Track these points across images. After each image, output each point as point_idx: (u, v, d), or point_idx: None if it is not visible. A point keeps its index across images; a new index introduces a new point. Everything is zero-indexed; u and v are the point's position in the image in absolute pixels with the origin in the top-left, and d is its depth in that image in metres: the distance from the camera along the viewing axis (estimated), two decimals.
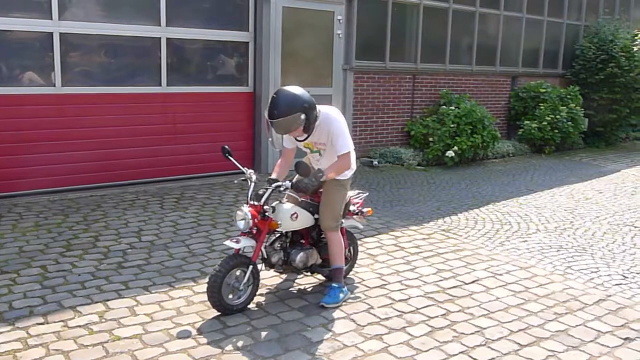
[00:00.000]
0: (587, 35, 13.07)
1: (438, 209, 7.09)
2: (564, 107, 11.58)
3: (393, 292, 4.50)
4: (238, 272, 3.96)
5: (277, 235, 4.23)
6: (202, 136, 7.97)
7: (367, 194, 4.96)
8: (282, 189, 4.01)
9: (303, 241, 4.38)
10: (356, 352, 3.58)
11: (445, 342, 3.74)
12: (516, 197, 7.89)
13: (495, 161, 10.69)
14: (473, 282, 4.79)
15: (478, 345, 3.72)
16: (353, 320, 3.99)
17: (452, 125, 9.76)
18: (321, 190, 4.26)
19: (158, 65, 7.57)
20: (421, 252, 5.46)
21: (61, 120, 6.94)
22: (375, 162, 9.44)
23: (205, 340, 3.62)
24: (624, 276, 5.06)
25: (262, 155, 8.44)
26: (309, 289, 4.49)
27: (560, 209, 7.32)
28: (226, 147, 4.29)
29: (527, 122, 11.49)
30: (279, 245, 4.23)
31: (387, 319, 4.04)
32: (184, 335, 3.68)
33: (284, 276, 4.61)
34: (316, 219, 4.28)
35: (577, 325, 4.05)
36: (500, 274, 4.98)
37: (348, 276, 4.69)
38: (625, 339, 3.90)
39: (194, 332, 3.73)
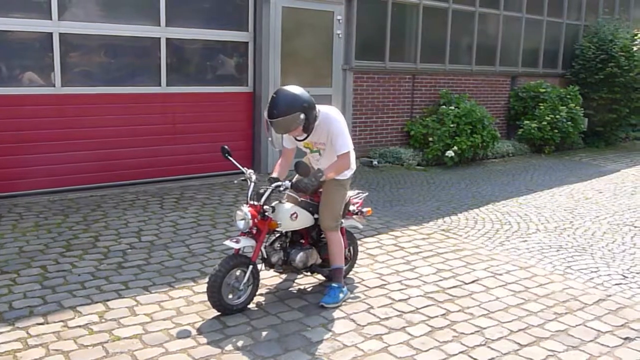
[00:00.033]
0: (587, 35, 13.07)
1: (438, 209, 7.09)
2: (564, 107, 11.59)
3: (393, 292, 4.50)
4: (238, 272, 3.96)
5: (277, 235, 4.23)
6: (201, 136, 7.97)
7: (367, 193, 4.97)
8: (281, 188, 4.01)
9: (303, 241, 4.38)
10: (356, 352, 3.58)
11: (445, 342, 3.74)
12: (516, 197, 7.89)
13: (495, 161, 10.69)
14: (473, 282, 4.79)
15: (478, 345, 3.72)
16: (353, 320, 3.99)
17: (451, 125, 9.76)
18: (321, 190, 4.26)
19: (158, 65, 7.57)
20: (421, 252, 5.46)
21: (61, 120, 6.94)
22: (375, 162, 9.45)
23: (205, 340, 3.62)
24: (623, 276, 5.06)
25: (261, 155, 8.44)
26: (308, 289, 4.49)
27: (560, 209, 7.32)
28: (226, 147, 4.29)
29: (527, 122, 11.49)
30: (278, 245, 4.23)
31: (387, 318, 4.04)
32: (183, 335, 3.68)
33: (283, 276, 4.61)
34: (316, 219, 4.28)
35: (577, 325, 4.06)
36: (500, 274, 4.98)
37: (348, 276, 4.69)
38: (625, 338, 3.90)
39: (193, 332, 3.73)
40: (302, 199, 4.29)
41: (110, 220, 5.97)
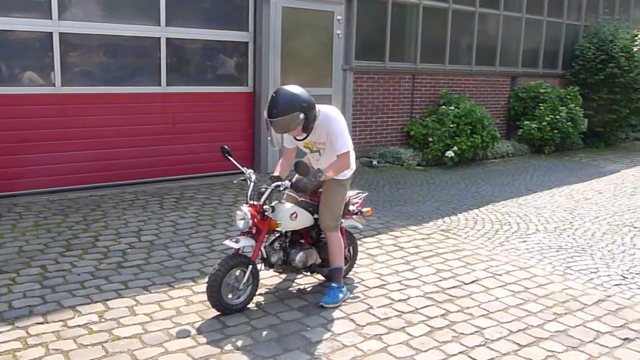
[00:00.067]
0: (587, 36, 13.08)
1: (437, 209, 7.09)
2: (564, 108, 11.59)
3: (392, 292, 4.50)
4: (237, 272, 3.96)
5: (277, 235, 4.23)
6: (201, 136, 7.97)
7: (367, 193, 4.97)
8: (281, 188, 4.01)
9: (302, 241, 4.38)
10: (355, 352, 3.58)
11: (444, 342, 3.74)
12: (516, 198, 7.89)
13: (494, 161, 10.69)
14: (472, 282, 4.79)
15: (477, 346, 3.72)
16: (352, 320, 3.99)
17: (451, 126, 9.76)
18: (321, 190, 4.26)
19: (158, 65, 7.57)
20: (420, 252, 5.46)
21: (61, 120, 6.94)
22: (375, 162, 9.45)
23: (204, 340, 3.62)
24: (623, 276, 5.06)
25: (261, 155, 8.44)
26: (308, 289, 4.49)
27: (560, 210, 7.32)
28: (226, 147, 4.29)
29: (527, 122, 11.49)
30: (278, 245, 4.23)
31: (386, 319, 4.04)
32: (183, 335, 3.68)
33: (283, 276, 4.61)
34: (316, 219, 4.28)
35: (576, 326, 4.06)
36: (500, 274, 4.98)
37: (347, 276, 4.69)
38: (625, 339, 3.90)
39: (193, 331, 3.73)
40: (301, 198, 4.29)
41: (109, 220, 5.97)
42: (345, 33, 9.20)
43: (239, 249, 4.00)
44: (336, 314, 4.07)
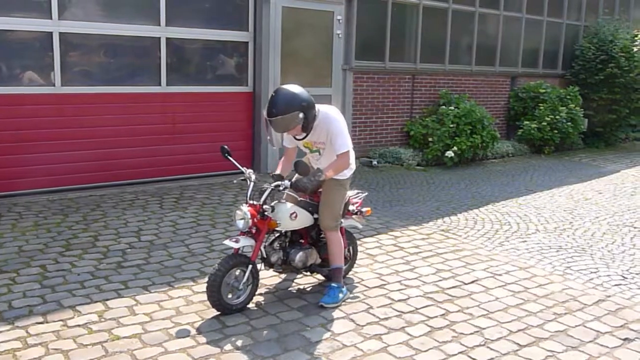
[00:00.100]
0: (587, 36, 13.08)
1: (437, 209, 7.09)
2: (564, 108, 11.59)
3: (392, 292, 4.50)
4: (237, 272, 3.96)
5: (277, 234, 4.23)
6: (201, 136, 7.97)
7: (367, 193, 4.97)
8: (281, 188, 4.02)
9: (302, 241, 4.38)
10: (355, 352, 3.58)
11: (444, 342, 3.74)
12: (515, 198, 7.89)
13: (494, 161, 10.69)
14: (472, 282, 4.79)
15: (477, 346, 3.72)
16: (352, 320, 3.99)
17: (451, 126, 9.76)
18: (320, 189, 4.26)
19: (158, 65, 7.57)
20: (420, 252, 5.46)
21: (61, 120, 6.94)
22: (375, 162, 9.45)
23: (204, 340, 3.62)
24: (623, 277, 5.06)
25: (261, 155, 8.44)
26: (308, 289, 4.49)
27: (560, 210, 7.32)
28: (225, 147, 4.29)
29: (527, 122, 11.49)
30: (278, 244, 4.23)
31: (386, 318, 4.04)
32: (183, 334, 3.68)
33: (283, 276, 4.61)
34: (315, 219, 4.28)
35: (576, 326, 4.06)
36: (500, 274, 4.98)
37: (347, 276, 4.69)
38: (625, 339, 3.90)
39: (193, 331, 3.73)
40: (301, 198, 4.29)
41: (109, 220, 5.97)
42: (345, 33, 9.20)
43: (238, 248, 4.00)
44: (336, 313, 4.07)
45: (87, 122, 7.11)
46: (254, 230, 3.99)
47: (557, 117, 11.37)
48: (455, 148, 9.66)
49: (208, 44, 8.09)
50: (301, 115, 3.92)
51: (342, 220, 4.37)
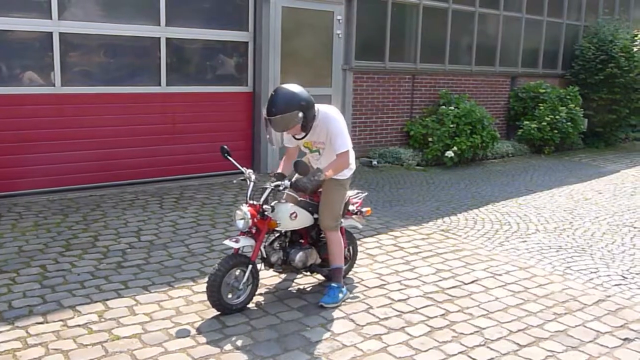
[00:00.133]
0: (587, 36, 13.08)
1: (437, 209, 7.09)
2: (564, 108, 11.59)
3: (392, 292, 4.50)
4: (237, 272, 3.96)
5: (277, 234, 4.23)
6: (201, 136, 7.97)
7: (366, 193, 4.97)
8: (281, 188, 4.02)
9: (302, 241, 4.38)
10: (355, 352, 3.58)
11: (444, 342, 3.74)
12: (515, 198, 7.89)
13: (494, 161, 10.69)
14: (472, 282, 4.79)
15: (477, 346, 3.72)
16: (352, 320, 3.99)
17: (451, 126, 9.76)
18: (320, 189, 4.26)
19: (157, 65, 7.57)
20: (420, 252, 5.46)
21: (61, 120, 6.94)
22: (375, 162, 9.45)
23: (204, 340, 3.62)
24: (623, 277, 5.06)
25: (261, 155, 8.44)
26: (308, 289, 4.49)
27: (560, 210, 7.32)
28: (225, 147, 4.29)
29: (527, 122, 11.49)
30: (278, 244, 4.23)
31: (386, 318, 4.04)
32: (183, 334, 3.68)
33: (283, 276, 4.61)
34: (315, 219, 4.28)
35: (576, 326, 4.06)
36: (500, 274, 4.98)
37: (347, 276, 4.69)
38: (625, 339, 3.90)
39: (193, 331, 3.73)
40: (301, 198, 4.29)
41: (109, 220, 5.97)
42: (345, 33, 9.20)
43: (238, 248, 4.00)
44: (336, 313, 4.07)
45: (87, 122, 7.11)
46: (254, 230, 4.00)
47: (557, 117, 11.37)
48: (455, 148, 9.67)
49: (208, 44, 8.09)
50: (300, 114, 3.92)
51: (342, 220, 4.37)
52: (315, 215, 4.27)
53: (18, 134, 6.67)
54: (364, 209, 4.67)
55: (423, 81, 10.50)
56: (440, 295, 4.48)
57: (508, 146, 11.28)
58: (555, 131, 11.40)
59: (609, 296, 4.60)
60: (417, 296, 4.45)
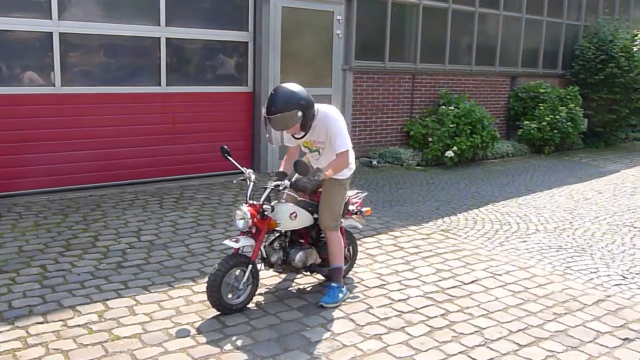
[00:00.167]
0: (587, 36, 13.08)
1: (437, 209, 7.09)
2: (564, 108, 11.59)
3: (392, 292, 4.50)
4: (237, 272, 3.96)
5: (277, 234, 4.23)
6: (201, 136, 7.97)
7: (366, 193, 4.97)
8: (280, 188, 4.02)
9: (302, 241, 4.38)
10: (355, 351, 3.58)
11: (444, 342, 3.74)
12: (515, 198, 7.89)
13: (494, 161, 10.69)
14: (472, 282, 4.79)
15: (477, 345, 3.72)
16: (352, 320, 3.99)
17: (451, 126, 9.76)
18: (320, 189, 4.26)
19: (157, 65, 7.57)
20: (420, 252, 5.46)
21: (61, 120, 6.94)
22: (375, 162, 9.45)
23: (204, 340, 3.62)
24: (623, 276, 5.06)
25: (261, 155, 8.44)
26: (308, 289, 4.49)
27: (560, 210, 7.32)
28: (225, 147, 4.29)
29: (527, 122, 11.49)
30: (278, 244, 4.23)
31: (386, 318, 4.04)
32: (183, 334, 3.68)
33: (283, 276, 4.61)
34: (315, 219, 4.28)
35: (576, 326, 4.06)
36: (500, 274, 4.98)
37: (347, 276, 4.69)
38: (625, 339, 3.90)
39: (193, 331, 3.73)
40: (301, 198, 4.29)
41: (109, 220, 5.97)
42: (345, 33, 9.20)
43: (238, 248, 4.00)
44: (336, 313, 4.07)
45: (87, 122, 7.11)
46: (254, 230, 4.00)
47: (557, 117, 11.37)
48: (455, 148, 9.67)
49: (208, 44, 8.09)
50: (300, 113, 3.93)
51: (342, 220, 4.37)
52: (315, 215, 4.27)
53: (18, 134, 6.67)
54: (364, 209, 4.67)
55: (423, 81, 10.50)
56: (440, 295, 4.48)
57: (508, 146, 11.28)
58: (555, 131, 11.40)
59: (609, 296, 4.60)
60: (417, 296, 4.45)
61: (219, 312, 3.92)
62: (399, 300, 4.35)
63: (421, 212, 6.94)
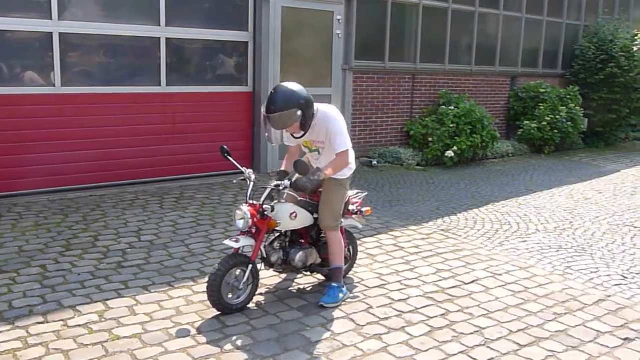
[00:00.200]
0: (587, 36, 13.08)
1: (437, 209, 7.09)
2: (564, 108, 11.59)
3: (392, 292, 4.50)
4: (237, 272, 3.96)
5: (277, 234, 4.23)
6: (201, 136, 7.97)
7: (366, 193, 4.97)
8: (280, 188, 4.02)
9: (302, 241, 4.38)
10: (355, 351, 3.58)
11: (444, 342, 3.74)
12: (515, 198, 7.89)
13: (494, 161, 10.69)
14: (472, 282, 4.79)
15: (477, 345, 3.72)
16: (352, 320, 3.99)
17: (451, 126, 9.76)
18: (321, 189, 4.26)
19: (157, 65, 7.57)
20: (420, 252, 5.46)
21: (61, 120, 6.94)
22: (375, 162, 9.45)
23: (204, 340, 3.62)
24: (623, 276, 5.06)
25: (261, 155, 8.44)
26: (308, 289, 4.49)
27: (560, 209, 7.32)
28: (225, 147, 4.29)
29: (527, 122, 11.49)
30: (278, 244, 4.23)
31: (386, 318, 4.04)
32: (183, 334, 3.68)
33: (283, 276, 4.61)
34: (315, 219, 4.28)
35: (576, 326, 4.06)
36: (500, 274, 4.98)
37: (347, 276, 4.69)
38: (625, 339, 3.90)
39: (193, 331, 3.73)
40: (301, 198, 4.29)
41: (109, 220, 5.97)
42: (345, 33, 9.20)
43: (238, 248, 4.00)
44: (336, 313, 4.07)
45: (87, 123, 7.11)
46: (254, 230, 4.00)
47: (557, 117, 11.37)
48: (455, 148, 9.67)
49: (208, 44, 8.09)
50: (299, 112, 3.93)
51: (342, 220, 4.37)
52: (315, 215, 4.27)
53: (18, 134, 6.67)
54: (364, 209, 4.67)
55: (423, 81, 10.50)
56: (440, 295, 4.48)
57: (508, 146, 11.28)
58: (556, 131, 11.40)
59: (609, 296, 4.60)
60: (417, 296, 4.45)
61: (219, 312, 3.92)
62: (399, 300, 4.35)
63: (421, 212, 6.94)
